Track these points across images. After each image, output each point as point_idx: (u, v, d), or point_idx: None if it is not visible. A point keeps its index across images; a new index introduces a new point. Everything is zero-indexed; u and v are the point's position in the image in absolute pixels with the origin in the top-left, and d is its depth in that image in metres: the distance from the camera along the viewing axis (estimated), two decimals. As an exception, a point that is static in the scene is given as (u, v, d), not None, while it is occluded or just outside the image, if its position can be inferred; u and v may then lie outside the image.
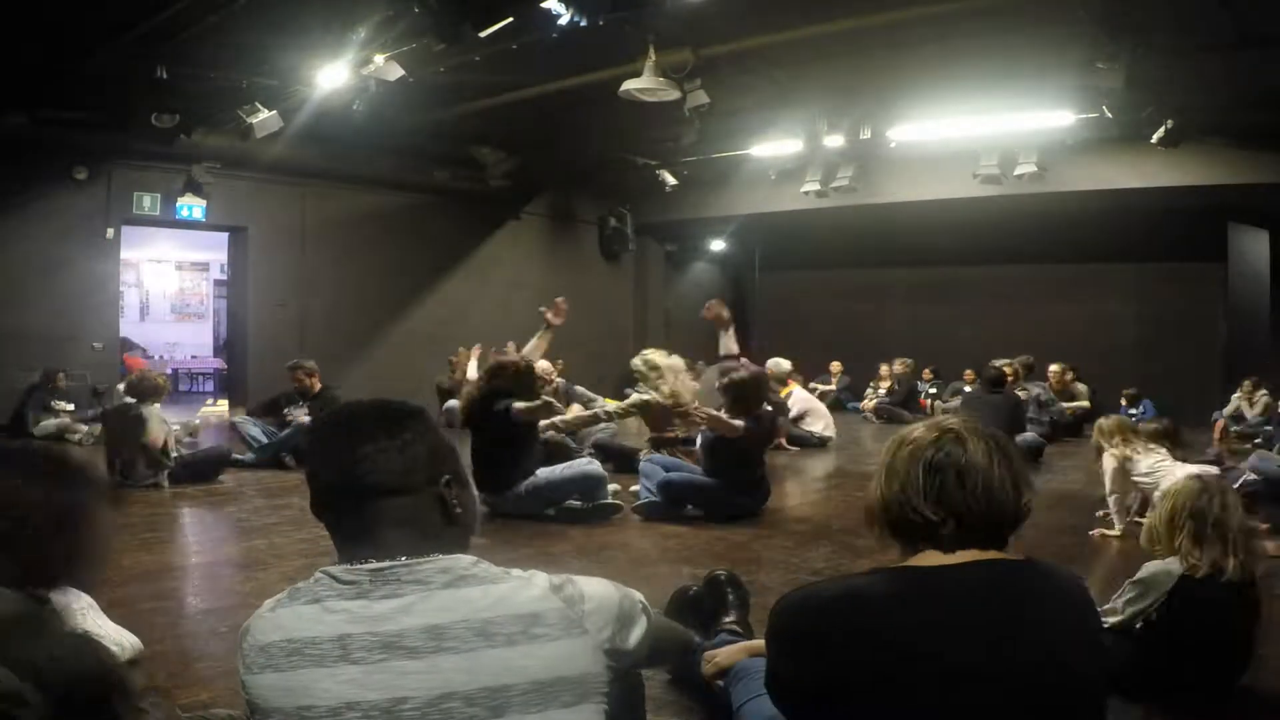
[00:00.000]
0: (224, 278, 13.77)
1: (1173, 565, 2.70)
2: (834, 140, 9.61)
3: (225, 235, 11.32)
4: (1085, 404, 10.62)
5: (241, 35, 6.79)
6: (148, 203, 9.96)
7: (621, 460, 6.54)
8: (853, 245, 14.39)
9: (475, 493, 1.40)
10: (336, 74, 7.09)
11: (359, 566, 1.23)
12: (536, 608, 1.21)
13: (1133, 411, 11.54)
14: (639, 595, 1.37)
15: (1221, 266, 12.04)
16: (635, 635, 1.32)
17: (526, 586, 1.24)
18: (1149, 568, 2.75)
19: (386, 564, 1.22)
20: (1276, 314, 12.42)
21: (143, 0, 6.25)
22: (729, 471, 5.30)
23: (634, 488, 5.58)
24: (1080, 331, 13.13)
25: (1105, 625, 2.61)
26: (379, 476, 1.25)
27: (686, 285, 16.52)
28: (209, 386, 14.42)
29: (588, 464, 5.40)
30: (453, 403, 9.01)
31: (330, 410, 1.42)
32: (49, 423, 8.50)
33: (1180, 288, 12.83)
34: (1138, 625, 2.71)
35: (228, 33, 6.60)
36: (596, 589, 1.29)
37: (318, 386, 7.52)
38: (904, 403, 11.92)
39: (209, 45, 6.92)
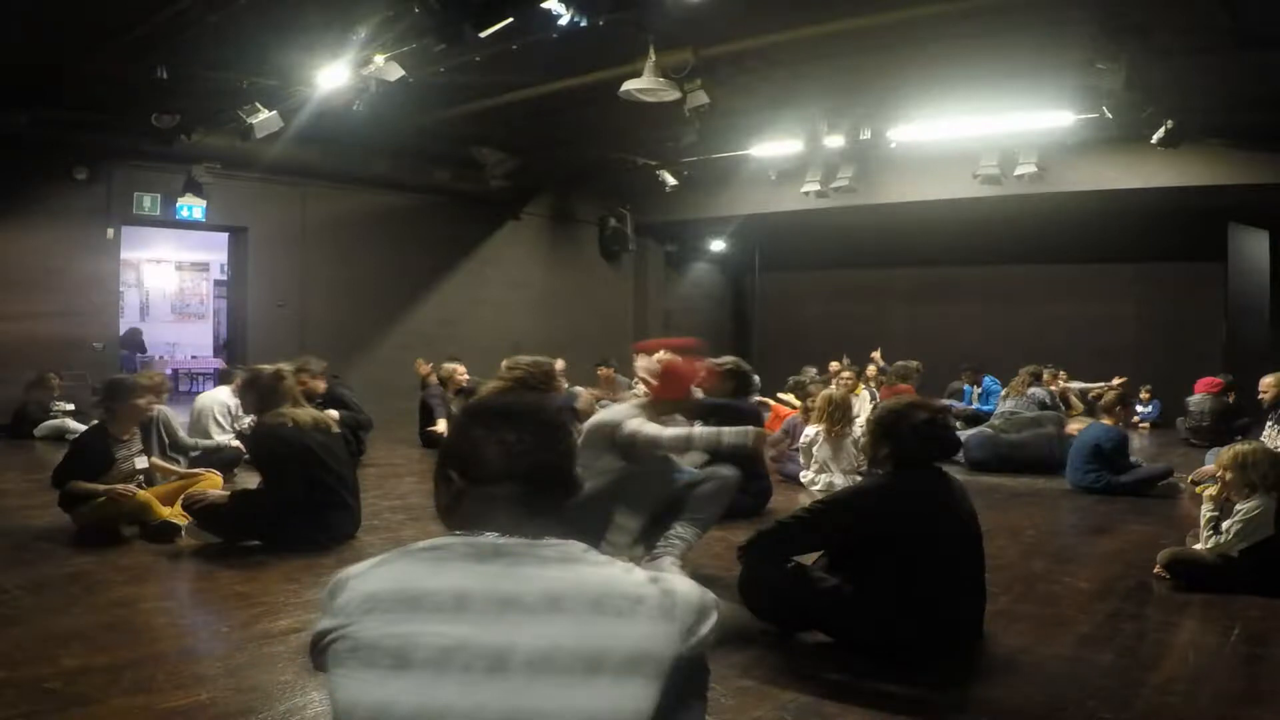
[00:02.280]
0: (224, 278, 13.77)
1: (1256, 504, 3.83)
2: (834, 140, 9.61)
3: (225, 235, 11.32)
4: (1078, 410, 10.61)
5: (241, 35, 6.78)
6: (148, 203, 9.97)
7: None
8: (853, 245, 14.39)
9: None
10: (336, 74, 7.08)
11: (480, 540, 1.35)
12: (641, 592, 1.34)
13: (1142, 410, 11.57)
14: (712, 594, 1.50)
15: (1221, 266, 12.04)
16: (708, 626, 1.43)
17: (631, 573, 1.38)
18: (1248, 513, 3.83)
19: (508, 541, 1.34)
20: (1276, 314, 12.42)
21: (143, 0, 6.26)
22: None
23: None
24: (1080, 331, 13.14)
25: (1208, 548, 3.95)
26: (534, 463, 1.41)
27: (686, 285, 16.53)
28: (209, 387, 14.43)
29: None
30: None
31: (483, 399, 1.61)
32: (48, 423, 8.50)
33: (1180, 288, 12.83)
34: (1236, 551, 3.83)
35: (228, 33, 6.59)
36: (685, 586, 1.42)
37: (321, 387, 7.40)
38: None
39: (209, 45, 6.91)
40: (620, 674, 1.28)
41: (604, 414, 4.01)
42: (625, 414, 3.91)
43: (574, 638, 1.27)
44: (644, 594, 1.34)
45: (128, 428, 4.98)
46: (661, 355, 4.07)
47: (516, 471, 1.40)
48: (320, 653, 1.32)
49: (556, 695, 1.25)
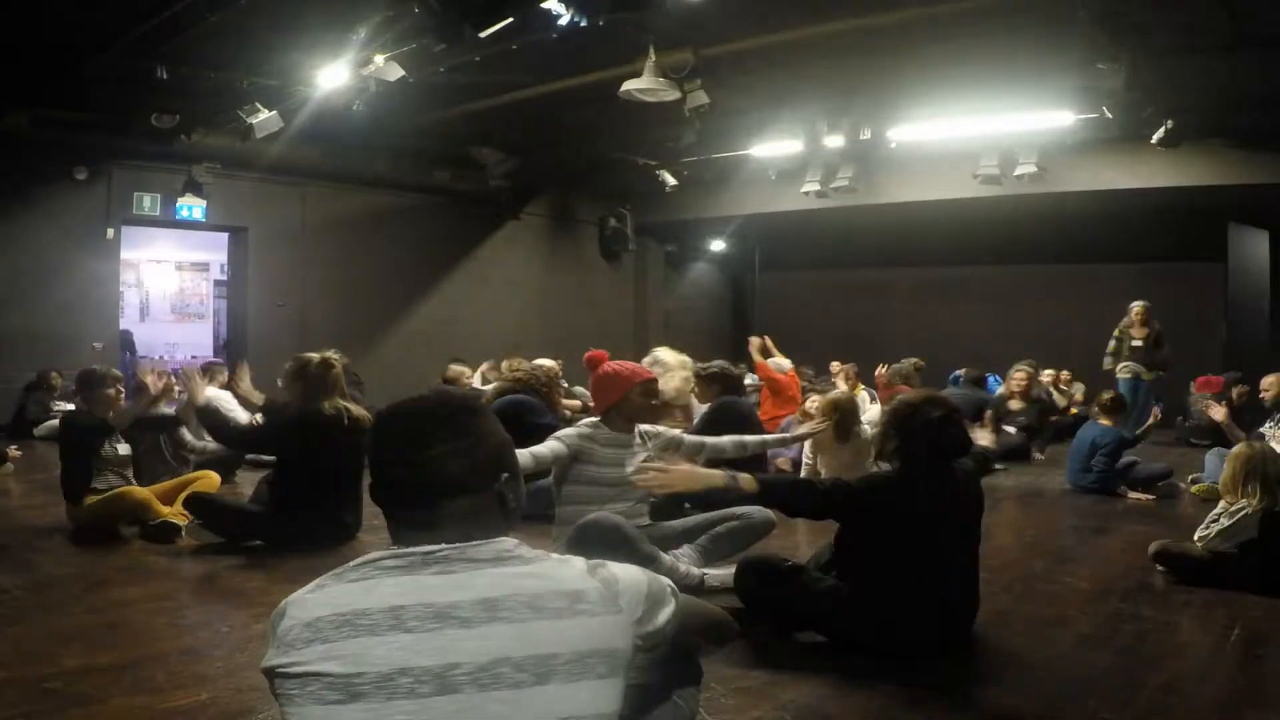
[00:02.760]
0: (224, 278, 13.76)
1: (1243, 505, 3.93)
2: (834, 140, 9.61)
3: (225, 235, 11.31)
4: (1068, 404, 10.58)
5: (241, 35, 6.78)
6: (148, 203, 9.96)
7: None
8: (853, 245, 14.39)
9: (523, 485, 1.48)
10: (336, 74, 7.08)
11: (408, 550, 1.30)
12: (579, 586, 1.30)
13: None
14: (667, 581, 1.46)
15: (1221, 266, 12.03)
16: (663, 615, 1.40)
17: (567, 567, 1.33)
18: (1234, 514, 3.95)
19: (437, 547, 1.30)
20: (1276, 314, 12.41)
21: (143, 0, 6.25)
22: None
23: (634, 488, 5.58)
24: (1080, 331, 13.11)
25: (1198, 543, 4.06)
26: (447, 477, 1.33)
27: (686, 285, 16.52)
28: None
29: None
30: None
31: (395, 405, 1.46)
32: (48, 424, 8.49)
33: (1180, 288, 12.81)
34: (1233, 548, 3.92)
35: (228, 33, 6.59)
36: (627, 573, 1.38)
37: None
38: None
39: (209, 45, 6.91)
40: (572, 676, 1.25)
41: (559, 435, 3.82)
42: (571, 435, 3.76)
43: (516, 645, 1.23)
44: (583, 588, 1.30)
45: (103, 413, 5.04)
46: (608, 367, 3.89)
47: (437, 485, 1.33)
48: (273, 690, 1.27)
49: (510, 707, 1.22)
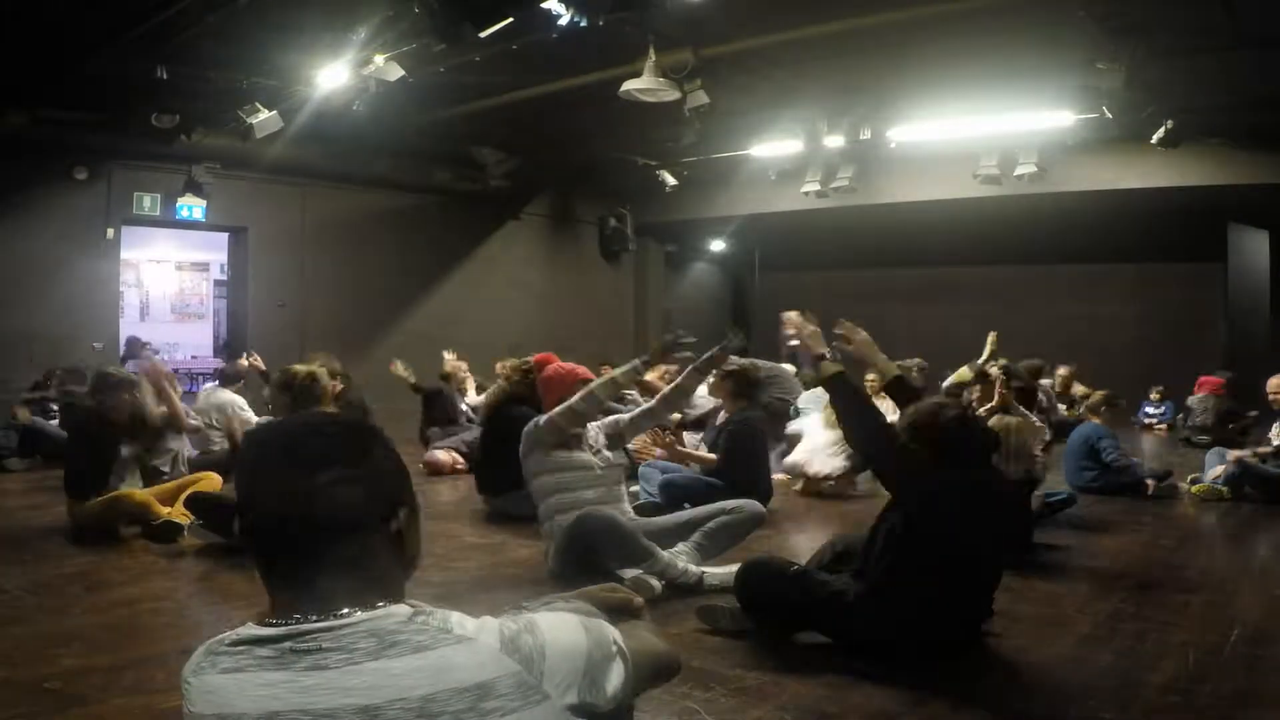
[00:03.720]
0: (224, 278, 13.76)
1: None
2: (834, 140, 9.61)
3: (225, 235, 11.32)
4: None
5: (241, 35, 6.79)
6: (148, 203, 9.96)
7: None
8: (853, 245, 14.40)
9: (422, 522, 1.23)
10: (336, 74, 7.09)
11: (278, 632, 1.06)
12: (487, 674, 1.03)
13: (1154, 411, 11.50)
14: (613, 632, 1.18)
15: (1221, 266, 12.04)
16: (612, 684, 1.13)
17: (471, 650, 1.04)
18: None
19: (308, 626, 1.04)
20: (1276, 314, 12.42)
21: (143, 0, 6.26)
22: (731, 471, 5.29)
23: (633, 489, 5.57)
24: (1080, 331, 13.13)
25: None
26: (334, 510, 1.08)
27: (686, 285, 16.53)
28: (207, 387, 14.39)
29: None
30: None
31: (272, 423, 1.25)
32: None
33: (1180, 288, 12.83)
34: None
35: (228, 33, 6.60)
36: (561, 639, 1.10)
37: (338, 389, 7.22)
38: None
39: (209, 45, 6.92)
40: None
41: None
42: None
43: None
44: (492, 678, 1.03)
45: (119, 418, 5.01)
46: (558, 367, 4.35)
47: (320, 521, 1.08)
48: None
49: None
